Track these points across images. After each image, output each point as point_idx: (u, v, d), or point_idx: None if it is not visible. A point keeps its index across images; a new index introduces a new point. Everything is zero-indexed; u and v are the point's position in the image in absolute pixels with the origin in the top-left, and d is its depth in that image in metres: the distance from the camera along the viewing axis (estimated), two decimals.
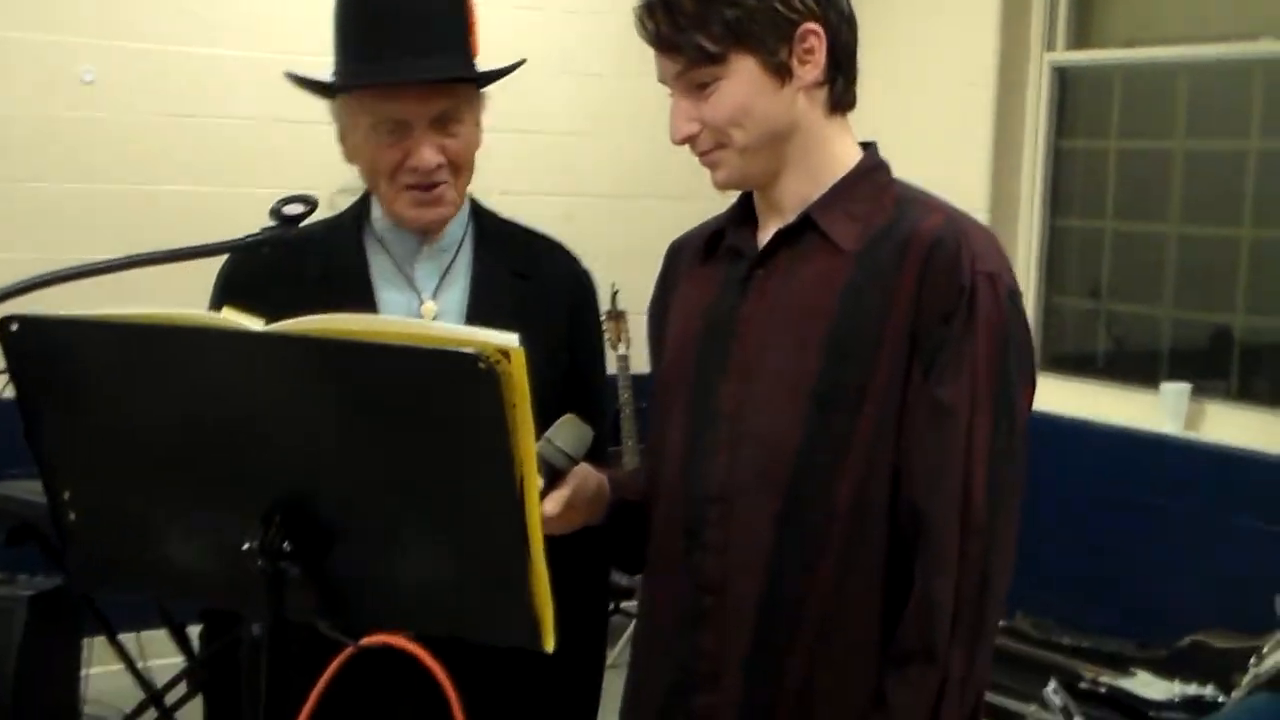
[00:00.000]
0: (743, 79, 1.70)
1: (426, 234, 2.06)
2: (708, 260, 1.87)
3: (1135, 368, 4.77)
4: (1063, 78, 4.97)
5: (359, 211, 2.11)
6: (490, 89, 2.08)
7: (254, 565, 1.36)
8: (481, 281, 2.08)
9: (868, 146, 1.82)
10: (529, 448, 1.29)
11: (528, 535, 1.31)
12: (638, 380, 4.85)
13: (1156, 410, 4.53)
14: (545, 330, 1.98)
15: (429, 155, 1.98)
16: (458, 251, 2.09)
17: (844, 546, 1.69)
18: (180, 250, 1.66)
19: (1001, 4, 4.91)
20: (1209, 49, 4.53)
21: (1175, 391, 4.49)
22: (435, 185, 2.01)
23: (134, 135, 4.52)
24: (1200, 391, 4.50)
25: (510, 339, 1.25)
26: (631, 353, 4.92)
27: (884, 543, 1.69)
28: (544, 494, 1.63)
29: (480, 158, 2.07)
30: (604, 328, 4.79)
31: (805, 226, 1.75)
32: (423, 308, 2.05)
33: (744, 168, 1.75)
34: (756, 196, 1.82)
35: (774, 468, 1.71)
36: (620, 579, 4.37)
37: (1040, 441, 1.86)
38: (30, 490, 3.42)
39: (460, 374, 1.25)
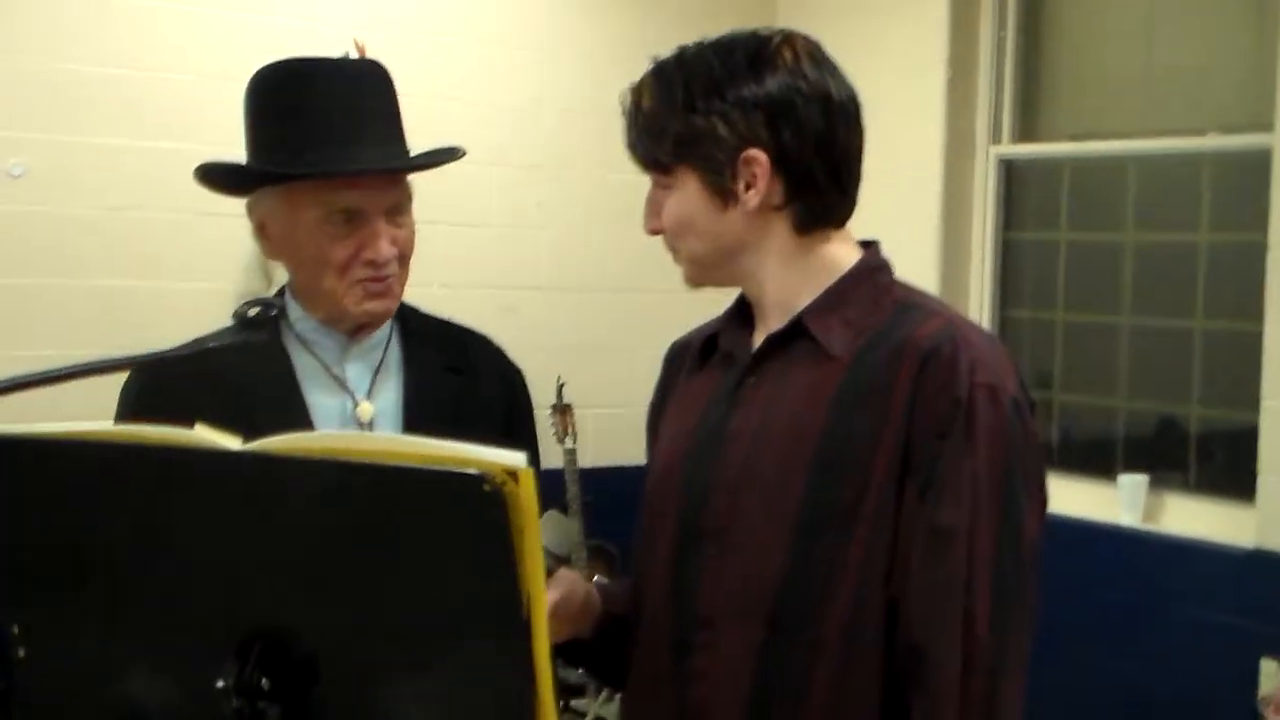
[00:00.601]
0: (688, 194, 1.66)
1: (361, 329, 1.98)
2: (704, 365, 1.79)
3: (1089, 459, 4.72)
4: (1009, 170, 4.97)
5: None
6: (429, 183, 2.02)
7: (227, 706, 1.24)
8: (415, 379, 2.00)
9: (869, 245, 1.74)
10: (538, 575, 1.18)
11: (534, 670, 1.19)
12: (585, 474, 4.74)
13: (1114, 502, 4.47)
14: (483, 426, 1.88)
15: (386, 247, 1.91)
16: (386, 349, 2.01)
17: (833, 679, 1.58)
18: (134, 357, 1.55)
19: (946, 97, 4.91)
20: (1155, 144, 4.54)
21: (1133, 483, 4.44)
22: (387, 277, 1.93)
23: (66, 229, 4.38)
24: (1157, 483, 4.46)
25: (518, 459, 1.14)
26: (579, 446, 4.80)
27: (878, 676, 1.58)
28: None
29: (420, 250, 2.00)
30: (550, 421, 4.77)
31: (797, 332, 1.67)
32: (358, 410, 1.96)
33: (698, 274, 1.72)
34: (748, 296, 1.75)
35: (757, 593, 1.61)
36: (568, 675, 4.24)
37: None
38: None
39: (463, 497, 1.15)
